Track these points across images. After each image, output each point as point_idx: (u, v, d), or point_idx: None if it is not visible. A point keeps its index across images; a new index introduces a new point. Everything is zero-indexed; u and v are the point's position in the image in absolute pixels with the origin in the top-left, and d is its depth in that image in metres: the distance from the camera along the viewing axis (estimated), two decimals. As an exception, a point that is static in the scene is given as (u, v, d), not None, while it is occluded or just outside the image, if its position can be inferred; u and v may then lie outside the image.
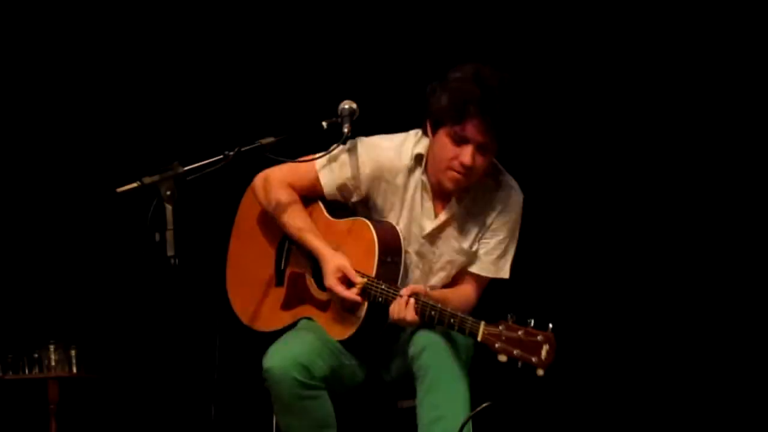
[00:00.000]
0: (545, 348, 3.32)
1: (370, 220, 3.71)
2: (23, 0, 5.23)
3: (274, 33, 5.19)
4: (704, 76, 4.93)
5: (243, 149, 3.58)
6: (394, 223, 3.73)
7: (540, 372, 3.32)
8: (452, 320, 3.46)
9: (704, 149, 4.95)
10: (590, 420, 4.95)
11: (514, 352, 3.33)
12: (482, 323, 3.40)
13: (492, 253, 3.79)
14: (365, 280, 3.62)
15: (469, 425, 3.53)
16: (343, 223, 3.78)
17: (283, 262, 3.88)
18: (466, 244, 3.77)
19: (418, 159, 3.72)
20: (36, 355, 4.84)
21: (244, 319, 3.90)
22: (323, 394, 3.60)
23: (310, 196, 3.82)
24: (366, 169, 3.74)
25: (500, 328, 3.37)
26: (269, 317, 3.84)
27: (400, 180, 3.74)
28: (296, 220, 3.78)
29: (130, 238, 3.56)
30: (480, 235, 3.78)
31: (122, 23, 5.25)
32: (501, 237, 3.79)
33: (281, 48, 5.16)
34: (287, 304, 3.84)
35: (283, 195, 3.80)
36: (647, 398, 4.96)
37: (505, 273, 3.82)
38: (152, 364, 3.52)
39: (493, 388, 3.66)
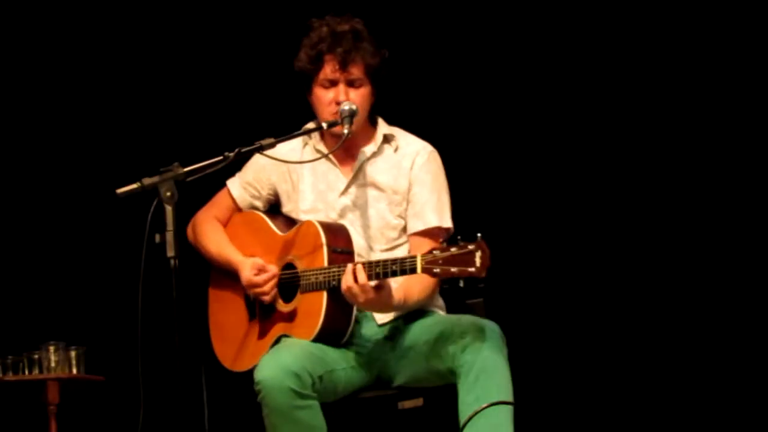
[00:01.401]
0: (478, 254, 3.39)
1: (315, 220, 3.83)
2: (23, 0, 5.22)
3: (274, 34, 5.18)
4: (697, 71, 4.95)
5: (243, 150, 3.59)
6: (309, 195, 3.91)
7: (481, 284, 3.40)
8: (394, 267, 3.55)
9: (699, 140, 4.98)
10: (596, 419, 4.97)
11: (452, 270, 3.40)
12: (419, 255, 3.49)
13: (427, 204, 3.87)
14: (276, 270, 3.79)
15: (511, 421, 3.55)
16: (291, 232, 3.90)
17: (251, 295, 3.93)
18: (385, 192, 3.88)
19: (308, 133, 3.89)
20: (36, 356, 4.83)
21: (227, 365, 3.99)
22: (315, 404, 3.61)
23: (232, 216, 4.02)
24: (261, 160, 3.92)
25: (434, 253, 3.45)
26: (252, 353, 3.85)
27: (295, 155, 3.93)
28: (215, 244, 3.98)
29: (130, 239, 3.55)
30: (401, 192, 3.87)
31: (122, 24, 5.24)
32: (428, 190, 3.87)
33: (281, 49, 5.14)
34: (263, 332, 3.87)
35: (204, 227, 4.01)
36: (647, 395, 4.96)
37: (447, 222, 3.89)
38: (152, 365, 3.51)
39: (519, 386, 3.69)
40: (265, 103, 5.14)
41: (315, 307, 3.71)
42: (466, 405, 3.55)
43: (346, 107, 3.78)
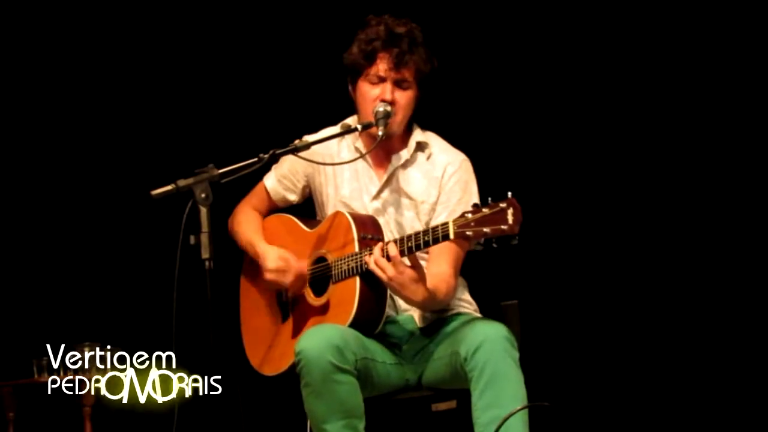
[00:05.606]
0: (510, 212, 3.37)
1: (345, 211, 3.83)
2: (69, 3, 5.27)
3: (309, 36, 5.19)
4: (700, 70, 4.94)
5: (277, 152, 3.60)
6: (343, 192, 3.91)
7: (514, 241, 3.37)
8: (425, 237, 3.54)
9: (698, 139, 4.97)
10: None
11: (485, 230, 3.38)
12: (450, 221, 3.47)
13: (454, 214, 3.74)
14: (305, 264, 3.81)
15: (525, 424, 3.53)
16: (321, 226, 3.90)
17: (284, 295, 3.92)
18: (414, 201, 3.86)
19: (345, 128, 3.88)
20: (71, 357, 4.86)
21: (256, 367, 3.98)
22: (354, 381, 3.59)
23: (269, 208, 4.05)
24: (298, 153, 3.84)
25: (466, 216, 3.43)
26: (283, 353, 3.83)
27: (333, 148, 3.94)
28: (247, 232, 3.99)
29: (165, 241, 3.57)
30: (429, 201, 3.86)
31: (158, 26, 5.26)
32: (456, 199, 3.85)
33: (314, 50, 5.16)
34: (297, 331, 3.85)
35: (240, 215, 4.04)
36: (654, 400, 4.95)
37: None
38: (187, 366, 3.53)
39: (542, 386, 3.67)
40: (299, 105, 5.15)
41: (348, 295, 3.69)
42: (478, 410, 3.55)
43: (381, 108, 3.78)
